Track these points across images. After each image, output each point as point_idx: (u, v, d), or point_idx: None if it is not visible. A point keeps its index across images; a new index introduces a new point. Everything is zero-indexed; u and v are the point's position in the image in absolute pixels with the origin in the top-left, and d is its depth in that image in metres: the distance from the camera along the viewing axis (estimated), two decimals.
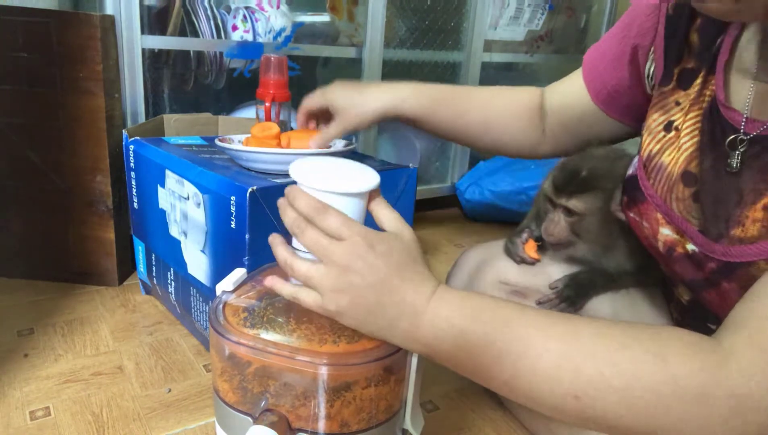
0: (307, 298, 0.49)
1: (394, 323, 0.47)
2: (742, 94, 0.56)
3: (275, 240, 0.52)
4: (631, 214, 0.66)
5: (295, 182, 0.52)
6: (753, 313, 0.45)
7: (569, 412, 0.46)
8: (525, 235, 0.78)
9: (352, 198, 0.50)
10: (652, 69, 0.68)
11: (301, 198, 0.49)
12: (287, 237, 0.52)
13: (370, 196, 0.53)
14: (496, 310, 0.48)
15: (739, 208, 0.54)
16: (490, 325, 0.46)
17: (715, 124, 0.57)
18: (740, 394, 0.41)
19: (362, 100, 0.82)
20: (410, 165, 0.96)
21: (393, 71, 1.50)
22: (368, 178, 0.52)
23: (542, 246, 0.78)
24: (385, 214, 0.52)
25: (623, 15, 0.71)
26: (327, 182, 0.50)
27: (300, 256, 0.50)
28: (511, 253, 0.79)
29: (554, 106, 0.82)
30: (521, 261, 0.78)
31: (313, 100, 0.85)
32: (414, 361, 0.53)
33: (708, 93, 0.59)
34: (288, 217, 0.50)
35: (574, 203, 0.71)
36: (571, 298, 0.72)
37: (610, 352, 0.44)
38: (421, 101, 0.82)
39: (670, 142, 0.62)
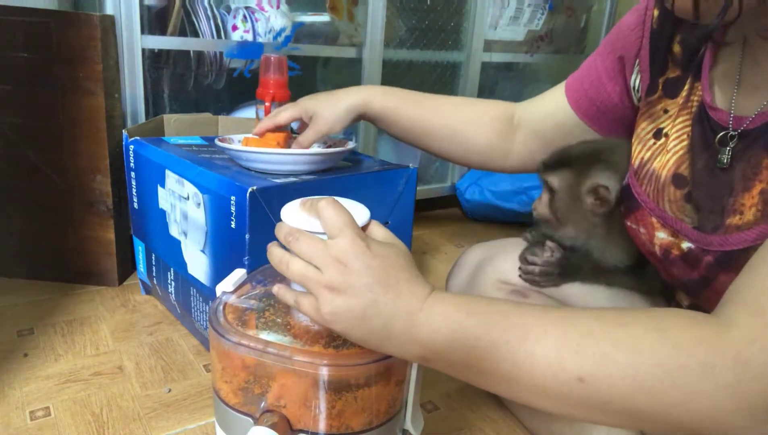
0: (306, 304, 0.48)
1: (389, 323, 0.46)
2: (727, 94, 0.59)
3: (270, 245, 0.52)
4: (629, 223, 0.67)
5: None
6: (750, 284, 0.44)
7: (576, 400, 0.44)
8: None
9: None
10: (637, 81, 0.71)
11: (283, 227, 0.50)
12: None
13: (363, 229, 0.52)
14: (491, 304, 0.48)
15: (733, 198, 0.55)
16: (487, 317, 0.46)
17: (705, 126, 0.59)
18: (744, 361, 0.40)
19: (334, 101, 0.86)
20: (410, 165, 0.96)
21: (393, 71, 1.50)
22: (358, 214, 0.51)
23: (544, 235, 0.79)
24: (377, 230, 0.52)
25: (606, 36, 0.74)
26: (317, 224, 0.50)
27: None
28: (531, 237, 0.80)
29: (528, 118, 0.83)
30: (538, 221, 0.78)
31: (284, 115, 0.87)
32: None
33: (695, 99, 0.61)
34: (278, 240, 0.50)
35: (550, 178, 0.72)
36: (554, 274, 0.74)
37: (610, 330, 0.44)
38: (388, 100, 0.86)
39: (660, 148, 0.64)
